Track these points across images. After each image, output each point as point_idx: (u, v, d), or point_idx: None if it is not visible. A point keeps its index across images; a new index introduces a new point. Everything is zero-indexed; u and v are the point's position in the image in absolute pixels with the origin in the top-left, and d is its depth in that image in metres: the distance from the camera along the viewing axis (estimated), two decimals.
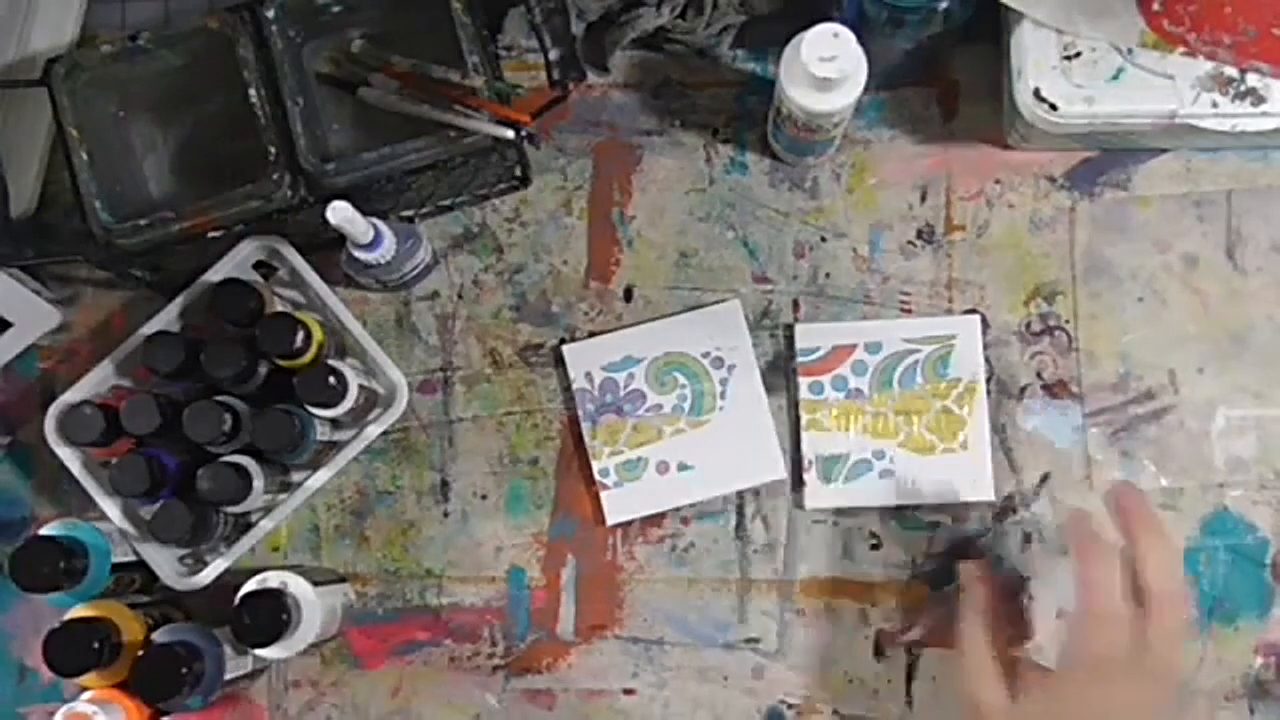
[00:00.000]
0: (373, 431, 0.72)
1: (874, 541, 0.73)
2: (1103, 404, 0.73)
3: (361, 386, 0.71)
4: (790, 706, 0.72)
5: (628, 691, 0.73)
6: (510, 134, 0.68)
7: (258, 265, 0.73)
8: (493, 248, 0.77)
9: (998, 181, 0.75)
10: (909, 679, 0.72)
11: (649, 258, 0.76)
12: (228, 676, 0.67)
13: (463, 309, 0.76)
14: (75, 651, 0.62)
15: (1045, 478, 0.73)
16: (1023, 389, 0.74)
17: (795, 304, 0.75)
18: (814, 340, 0.74)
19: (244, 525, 0.72)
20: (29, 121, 0.76)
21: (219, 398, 0.69)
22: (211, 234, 0.69)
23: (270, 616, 0.65)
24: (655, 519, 0.74)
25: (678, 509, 0.74)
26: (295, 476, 0.73)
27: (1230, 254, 0.74)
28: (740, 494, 0.74)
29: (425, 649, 0.74)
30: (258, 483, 0.69)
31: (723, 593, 0.73)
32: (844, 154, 0.76)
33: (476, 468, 0.75)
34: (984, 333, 0.74)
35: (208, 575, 0.71)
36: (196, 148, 0.76)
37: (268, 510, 0.72)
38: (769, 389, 0.74)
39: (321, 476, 0.72)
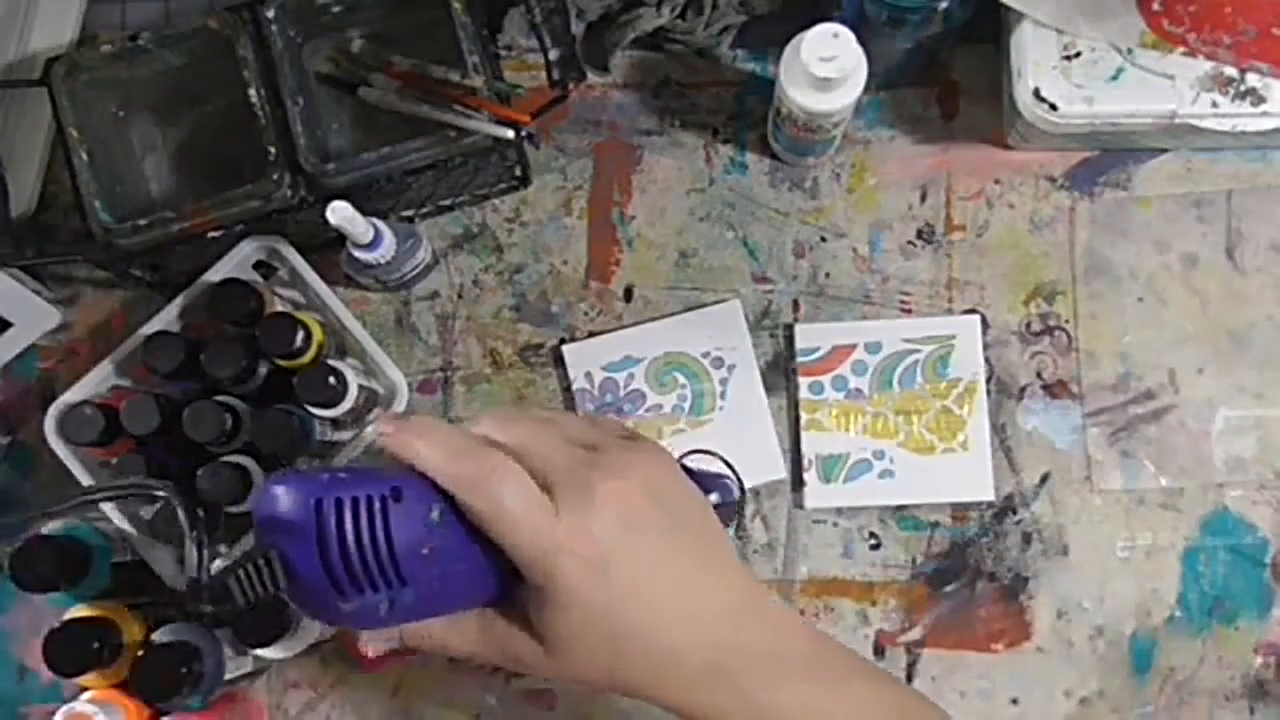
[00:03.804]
0: (373, 432, 0.72)
1: (874, 541, 0.73)
2: (1103, 404, 0.73)
3: (361, 386, 0.71)
4: None
5: None
6: (510, 134, 0.68)
7: (258, 265, 0.73)
8: (493, 248, 0.77)
9: (998, 181, 0.75)
10: (909, 679, 0.72)
11: (649, 258, 0.76)
12: (228, 676, 0.67)
13: (463, 309, 0.76)
14: (75, 651, 0.62)
15: (1045, 478, 0.73)
16: (1023, 389, 0.74)
17: (795, 304, 0.75)
18: (814, 340, 0.74)
19: (244, 525, 0.72)
20: (29, 121, 0.76)
21: (219, 398, 0.69)
22: (211, 234, 0.69)
23: (270, 616, 0.65)
24: None
25: None
26: None
27: (1230, 254, 0.74)
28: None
29: None
30: (258, 483, 0.69)
31: None
32: (844, 154, 0.76)
33: None
34: (984, 333, 0.74)
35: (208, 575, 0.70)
36: (196, 148, 0.76)
37: None
38: (769, 389, 0.74)
39: None
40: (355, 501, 0.41)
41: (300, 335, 0.68)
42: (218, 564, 0.71)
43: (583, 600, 0.43)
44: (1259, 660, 0.71)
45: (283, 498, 0.41)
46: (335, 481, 0.42)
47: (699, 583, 0.45)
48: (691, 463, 0.61)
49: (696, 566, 0.46)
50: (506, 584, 0.45)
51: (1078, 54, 0.68)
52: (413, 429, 0.44)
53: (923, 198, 0.76)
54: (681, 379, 0.74)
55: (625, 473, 0.45)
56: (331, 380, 0.68)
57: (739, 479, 0.57)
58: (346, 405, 0.69)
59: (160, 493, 0.44)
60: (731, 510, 0.57)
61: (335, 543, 0.41)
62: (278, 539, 0.41)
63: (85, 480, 0.71)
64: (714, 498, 0.54)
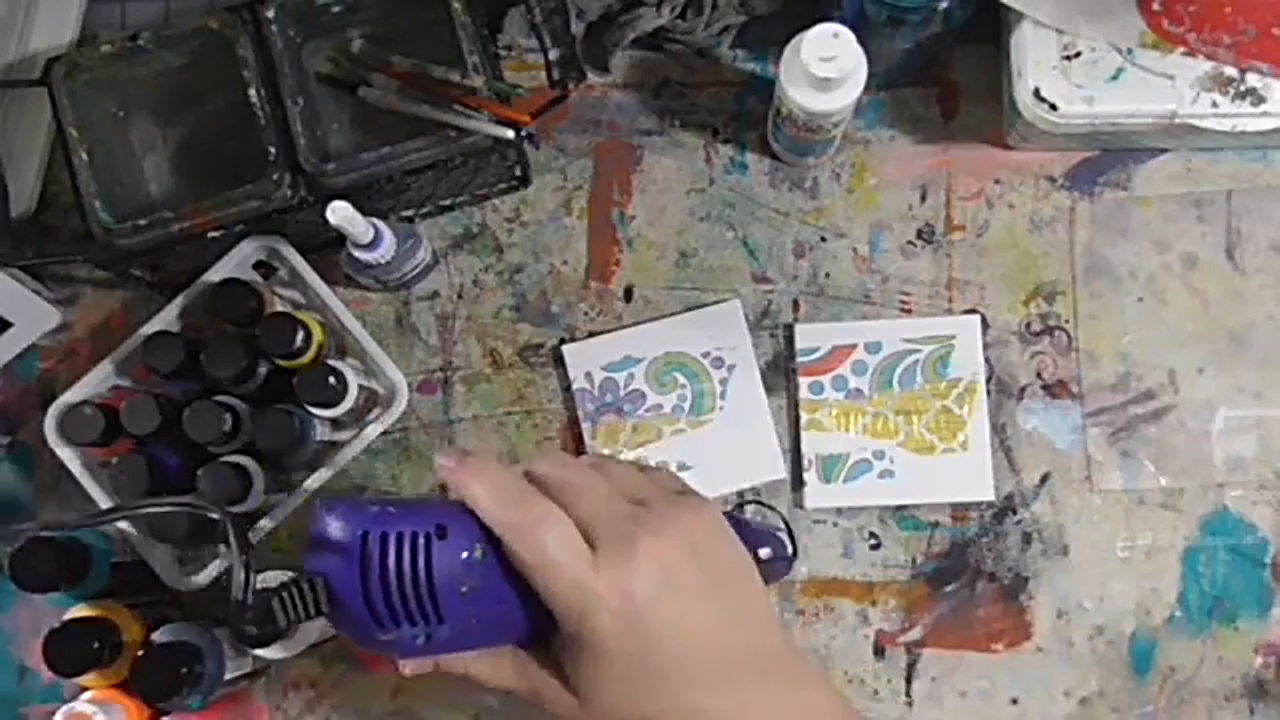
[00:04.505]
0: (373, 431, 0.72)
1: (874, 541, 0.73)
2: (1103, 404, 0.73)
3: (361, 386, 0.71)
4: None
5: None
6: (510, 134, 0.68)
7: (258, 265, 0.73)
8: (493, 248, 0.77)
9: (998, 181, 0.75)
10: (909, 679, 0.72)
11: (649, 258, 0.76)
12: (228, 676, 0.67)
13: (463, 309, 0.76)
14: (75, 651, 0.62)
15: (1045, 478, 0.73)
16: (1023, 389, 0.74)
17: (795, 304, 0.75)
18: (814, 340, 0.74)
19: (244, 525, 0.72)
20: (29, 121, 0.76)
21: (219, 398, 0.69)
22: (211, 234, 0.69)
23: (270, 617, 0.64)
24: None
25: None
26: (295, 476, 0.73)
27: (1230, 254, 0.74)
28: (740, 494, 0.74)
29: None
30: (258, 483, 0.69)
31: None
32: (844, 154, 0.76)
33: None
34: (984, 333, 0.74)
35: (207, 575, 0.71)
36: (196, 148, 0.76)
37: (268, 510, 0.72)
38: (769, 389, 0.74)
39: (321, 476, 0.72)
40: (400, 537, 0.42)
41: (300, 335, 0.68)
42: (215, 566, 0.71)
43: (614, 653, 0.44)
44: (1259, 660, 0.71)
45: (333, 525, 0.43)
46: (384, 515, 0.43)
47: (733, 645, 0.46)
48: (744, 513, 0.60)
49: (732, 629, 0.46)
50: (543, 626, 0.46)
51: (1078, 54, 0.68)
52: (470, 469, 0.45)
53: (923, 198, 0.76)
54: (681, 379, 0.74)
55: (668, 530, 0.45)
56: (331, 380, 0.68)
57: (792, 534, 0.57)
58: (346, 405, 0.69)
59: (214, 514, 0.44)
60: (784, 566, 0.57)
61: (377, 576, 0.42)
62: (324, 564, 0.42)
63: (85, 480, 0.71)
64: (765, 553, 0.54)
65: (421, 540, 0.43)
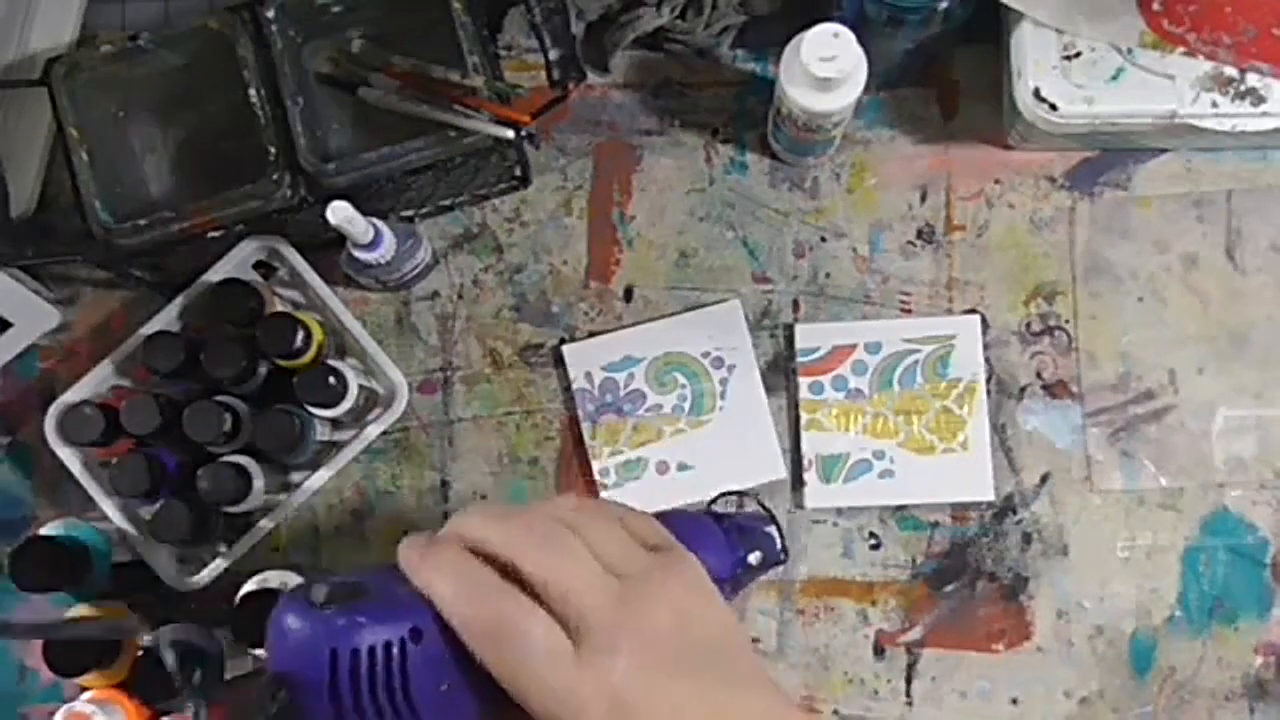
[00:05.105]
0: (373, 431, 0.72)
1: (874, 541, 0.73)
2: (1103, 404, 0.73)
3: (361, 386, 0.71)
4: None
5: None
6: (510, 134, 0.68)
7: (258, 265, 0.73)
8: (493, 248, 0.77)
9: (998, 181, 0.75)
10: (909, 679, 0.72)
11: (649, 258, 0.76)
12: (228, 676, 0.67)
13: (463, 309, 0.76)
14: (75, 651, 0.62)
15: (1045, 478, 0.73)
16: (1023, 389, 0.74)
17: (795, 304, 0.75)
18: (814, 340, 0.74)
19: (244, 525, 0.72)
20: (29, 121, 0.76)
21: (219, 398, 0.69)
22: (211, 234, 0.69)
23: (269, 616, 0.64)
24: None
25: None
26: (295, 476, 0.73)
27: (1230, 254, 0.74)
28: (737, 494, 0.74)
29: None
30: (258, 483, 0.69)
31: None
32: (844, 154, 0.76)
33: (476, 468, 0.75)
34: (984, 333, 0.74)
35: (208, 575, 0.71)
36: (196, 148, 0.76)
37: (268, 510, 0.72)
38: (769, 389, 0.74)
39: (321, 476, 0.72)
40: (372, 651, 0.39)
41: (300, 335, 0.68)
42: (215, 566, 0.71)
43: None
44: (1259, 660, 0.71)
45: (295, 638, 0.39)
46: (352, 626, 0.39)
47: (729, 714, 0.44)
48: (730, 506, 0.57)
49: (726, 698, 0.44)
50: None
51: (1078, 54, 0.68)
52: (433, 562, 0.42)
53: (923, 198, 0.76)
54: (681, 379, 0.74)
55: (652, 608, 0.43)
56: (331, 380, 0.68)
57: (780, 529, 0.54)
58: (346, 405, 0.69)
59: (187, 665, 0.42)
60: (774, 565, 0.54)
61: (349, 697, 0.39)
62: (290, 687, 0.39)
63: (85, 480, 0.71)
64: (755, 558, 0.52)
65: (395, 650, 0.39)
